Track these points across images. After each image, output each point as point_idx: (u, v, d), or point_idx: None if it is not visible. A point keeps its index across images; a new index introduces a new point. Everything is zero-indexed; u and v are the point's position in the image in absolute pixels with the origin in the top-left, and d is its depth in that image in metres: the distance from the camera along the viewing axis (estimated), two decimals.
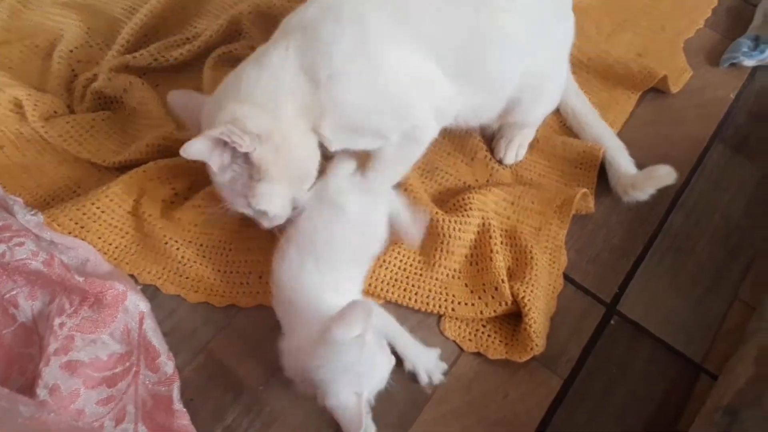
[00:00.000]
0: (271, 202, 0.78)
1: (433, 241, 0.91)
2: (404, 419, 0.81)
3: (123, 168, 0.95)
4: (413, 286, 0.90)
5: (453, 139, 1.03)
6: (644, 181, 0.98)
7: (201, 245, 0.90)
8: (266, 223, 0.82)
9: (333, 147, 0.80)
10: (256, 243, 0.89)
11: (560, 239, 0.97)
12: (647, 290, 0.96)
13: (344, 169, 0.85)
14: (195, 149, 0.71)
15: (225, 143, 0.71)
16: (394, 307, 0.88)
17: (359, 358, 0.66)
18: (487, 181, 1.02)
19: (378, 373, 0.71)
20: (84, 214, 0.88)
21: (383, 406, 0.76)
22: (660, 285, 0.97)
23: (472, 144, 1.05)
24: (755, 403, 0.72)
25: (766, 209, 1.06)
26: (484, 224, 0.93)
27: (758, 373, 0.75)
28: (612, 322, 0.92)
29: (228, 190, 0.78)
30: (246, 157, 0.74)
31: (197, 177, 0.91)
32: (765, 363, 0.76)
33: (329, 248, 0.78)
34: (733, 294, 0.97)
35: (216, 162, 0.74)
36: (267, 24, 1.10)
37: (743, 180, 1.10)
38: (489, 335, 0.88)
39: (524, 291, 0.87)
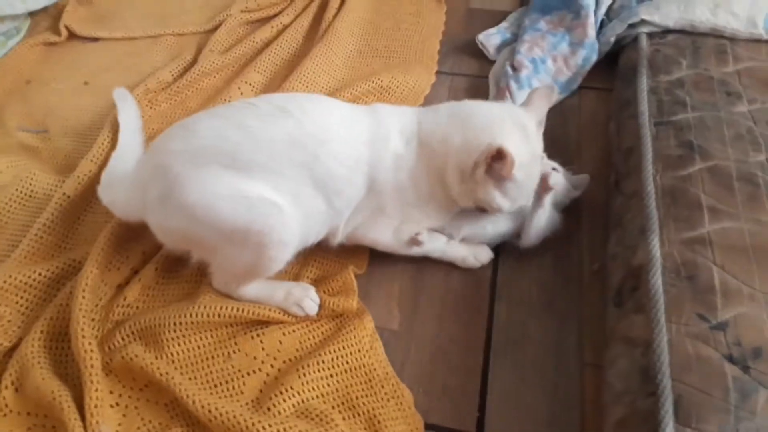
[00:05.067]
0: None
1: None
2: None
3: None
4: None
5: None
6: None
7: None
8: None
9: None
10: None
11: (409, 401, 0.92)
12: (504, 398, 0.93)
13: None
14: None
15: None
16: None
17: None
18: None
19: None
20: None
21: None
22: (513, 386, 0.94)
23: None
24: None
25: (565, 263, 1.09)
26: None
27: None
28: None
29: None
30: None
31: None
32: None
33: None
34: (579, 361, 0.96)
35: None
36: None
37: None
38: None
39: None
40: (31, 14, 1.71)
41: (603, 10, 1.46)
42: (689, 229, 0.88)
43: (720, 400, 0.70)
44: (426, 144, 0.96)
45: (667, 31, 1.34)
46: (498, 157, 0.89)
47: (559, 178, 1.07)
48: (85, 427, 0.83)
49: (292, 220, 0.91)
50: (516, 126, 0.94)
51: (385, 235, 1.03)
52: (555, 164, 1.10)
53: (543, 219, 1.04)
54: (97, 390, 0.86)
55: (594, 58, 1.40)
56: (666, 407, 0.70)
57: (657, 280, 0.82)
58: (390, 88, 1.42)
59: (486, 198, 0.96)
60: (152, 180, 0.92)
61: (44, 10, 1.72)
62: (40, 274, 1.03)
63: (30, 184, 1.19)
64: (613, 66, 1.39)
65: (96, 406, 0.85)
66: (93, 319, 0.96)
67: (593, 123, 1.35)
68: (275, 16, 1.67)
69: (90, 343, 0.91)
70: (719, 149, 1.00)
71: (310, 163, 0.91)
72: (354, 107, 1.01)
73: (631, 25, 1.36)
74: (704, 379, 0.72)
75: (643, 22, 1.35)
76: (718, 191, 0.93)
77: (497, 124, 0.94)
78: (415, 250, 1.05)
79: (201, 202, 0.87)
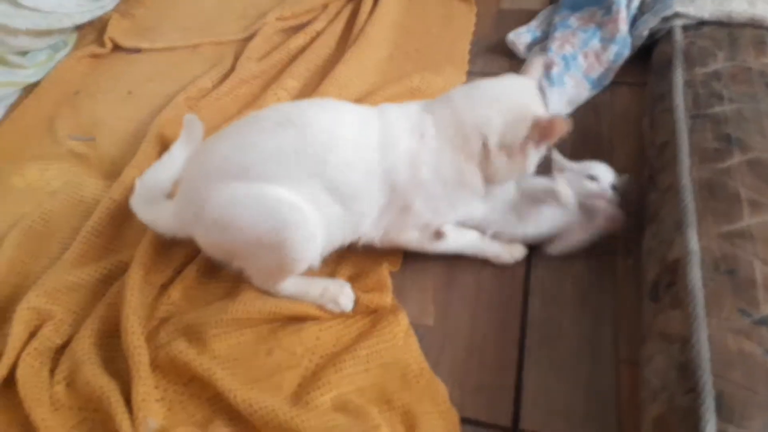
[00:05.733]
0: None
1: None
2: None
3: None
4: None
5: None
6: None
7: None
8: None
9: None
10: None
11: (444, 395, 0.93)
12: (539, 394, 0.93)
13: None
14: None
15: None
16: None
17: None
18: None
19: None
20: None
21: None
22: (548, 382, 0.94)
23: None
24: None
25: (600, 258, 1.08)
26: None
27: None
28: None
29: None
30: None
31: None
32: None
33: None
34: (614, 358, 0.96)
35: None
36: None
37: None
38: None
39: None
40: (78, 27, 1.79)
41: (635, 3, 1.45)
42: (728, 223, 0.86)
43: (765, 396, 0.68)
44: (448, 132, 0.97)
45: (701, 23, 1.31)
46: (550, 125, 0.92)
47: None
48: (132, 421, 0.87)
49: (311, 217, 0.93)
50: (539, 95, 1.00)
51: (413, 236, 1.04)
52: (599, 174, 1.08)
53: (582, 234, 1.06)
54: (144, 385, 0.90)
55: (626, 53, 1.38)
56: (707, 404, 0.69)
57: (695, 274, 0.80)
58: (420, 88, 1.44)
59: (527, 167, 0.98)
60: (186, 201, 1.00)
61: (90, 23, 1.80)
62: (89, 275, 1.08)
63: (79, 190, 1.25)
64: (645, 61, 1.37)
65: (143, 401, 0.89)
66: (140, 317, 1.01)
67: (626, 118, 1.33)
68: (309, 23, 1.71)
69: (138, 339, 0.95)
70: (759, 141, 0.98)
71: (320, 170, 0.93)
72: (364, 110, 1.02)
73: (665, 19, 1.34)
74: (747, 375, 0.71)
75: (677, 15, 1.32)
76: (758, 184, 0.91)
77: (533, 96, 0.99)
78: (445, 247, 1.05)
79: (225, 214, 0.93)
